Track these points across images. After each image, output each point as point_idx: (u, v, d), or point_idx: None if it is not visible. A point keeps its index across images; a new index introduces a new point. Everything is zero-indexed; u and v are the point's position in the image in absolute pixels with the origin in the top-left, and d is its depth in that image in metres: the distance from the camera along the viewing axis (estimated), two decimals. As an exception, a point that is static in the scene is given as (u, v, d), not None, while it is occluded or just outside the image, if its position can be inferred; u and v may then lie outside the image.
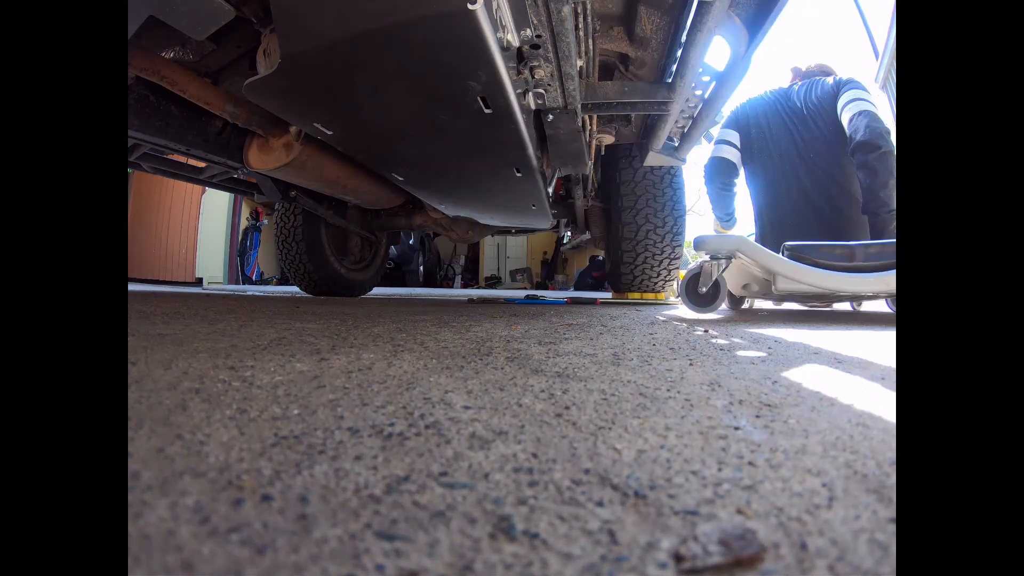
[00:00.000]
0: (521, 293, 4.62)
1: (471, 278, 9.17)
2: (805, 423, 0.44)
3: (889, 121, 2.01)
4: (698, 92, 1.43)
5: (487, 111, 1.08)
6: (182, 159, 2.24)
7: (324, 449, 0.35)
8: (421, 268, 8.16)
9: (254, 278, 6.83)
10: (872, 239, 1.92)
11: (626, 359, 0.75)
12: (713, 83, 1.39)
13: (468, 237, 2.87)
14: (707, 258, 1.73)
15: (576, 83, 1.16)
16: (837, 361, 0.78)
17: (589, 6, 1.14)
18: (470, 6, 0.77)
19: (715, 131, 2.39)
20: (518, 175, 1.49)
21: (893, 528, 0.26)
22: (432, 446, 0.37)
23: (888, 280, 1.57)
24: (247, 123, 1.56)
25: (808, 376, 0.65)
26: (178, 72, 1.39)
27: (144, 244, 5.94)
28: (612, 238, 2.63)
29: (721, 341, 1.01)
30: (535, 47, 1.03)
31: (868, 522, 0.26)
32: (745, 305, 2.30)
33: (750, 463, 0.34)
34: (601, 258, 6.75)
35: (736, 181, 2.45)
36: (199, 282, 5.99)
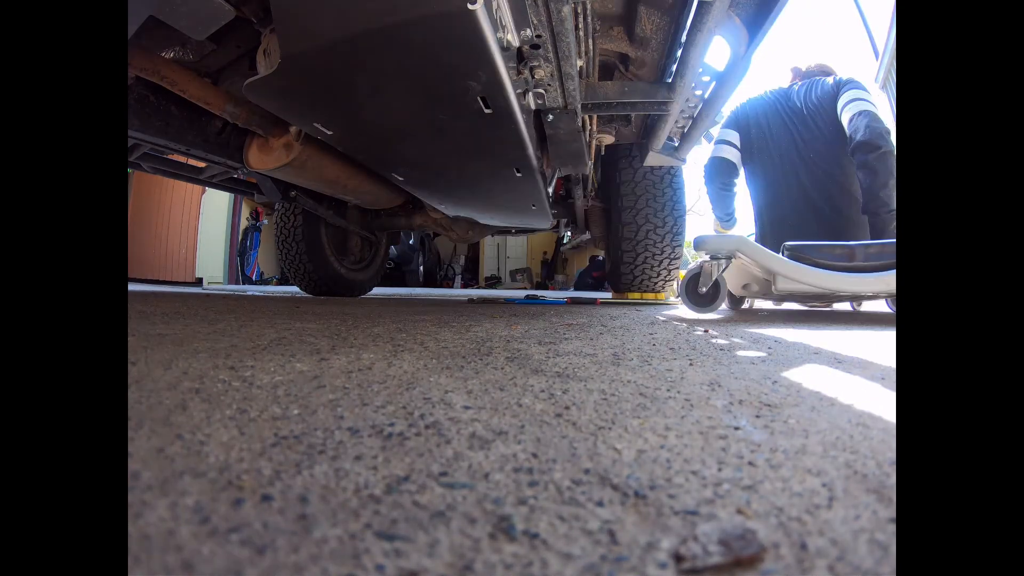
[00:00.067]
0: (521, 293, 4.62)
1: (471, 278, 9.17)
2: (805, 423, 0.44)
3: (889, 121, 2.01)
4: (698, 92, 1.43)
5: (487, 111, 1.08)
6: (182, 159, 2.24)
7: (324, 449, 0.35)
8: (421, 268, 8.16)
9: (254, 278, 6.83)
10: (872, 239, 1.92)
11: (626, 359, 0.75)
12: (713, 83, 1.39)
13: (468, 237, 2.87)
14: (707, 258, 1.73)
15: (576, 83, 1.16)
16: (837, 361, 0.78)
17: (589, 6, 1.14)
18: (470, 6, 0.77)
19: (715, 131, 2.39)
20: (518, 175, 1.49)
21: (893, 528, 0.26)
22: (432, 446, 0.37)
23: (888, 280, 1.57)
24: (247, 123, 1.56)
25: (808, 376, 0.65)
26: (178, 72, 1.39)
27: (144, 244, 5.94)
28: (612, 238, 2.64)
29: (721, 341, 1.01)
30: (535, 47, 1.03)
31: (868, 522, 0.26)
32: (745, 305, 2.30)
33: (750, 463, 0.34)
34: (601, 258, 6.75)
35: (736, 181, 2.45)
36: (199, 282, 5.99)
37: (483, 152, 1.36)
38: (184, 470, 0.31)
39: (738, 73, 1.29)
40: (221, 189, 2.74)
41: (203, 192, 6.02)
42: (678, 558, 0.23)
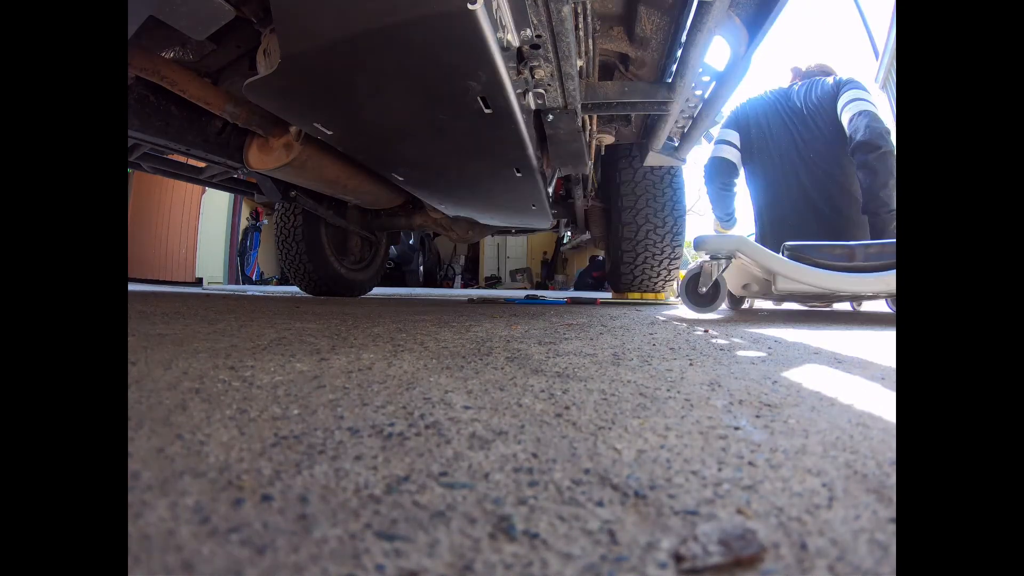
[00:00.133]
0: (521, 293, 4.62)
1: (471, 278, 9.17)
2: (805, 423, 0.44)
3: (889, 121, 2.01)
4: (698, 92, 1.43)
5: (487, 111, 1.08)
6: (182, 159, 2.24)
7: (324, 449, 0.35)
8: (421, 268, 8.16)
9: (254, 278, 6.83)
10: (872, 239, 1.92)
11: (626, 359, 0.75)
12: (713, 83, 1.39)
13: (468, 237, 2.87)
14: (707, 258, 1.73)
15: (576, 83, 1.16)
16: (837, 361, 0.78)
17: (589, 6, 1.14)
18: (470, 6, 0.77)
19: (715, 131, 2.39)
20: (518, 175, 1.49)
21: (893, 528, 0.26)
22: (432, 446, 0.37)
23: (888, 280, 1.57)
24: (247, 123, 1.57)
25: (808, 376, 0.65)
26: (178, 72, 1.39)
27: (144, 244, 5.94)
28: (612, 238, 2.64)
29: (721, 341, 1.01)
30: (535, 47, 1.03)
31: (868, 522, 0.26)
32: (745, 305, 2.30)
33: (750, 463, 0.34)
34: (601, 258, 6.75)
35: (736, 181, 2.45)
36: (199, 282, 5.99)
37: (483, 152, 1.36)
38: (184, 470, 0.31)
39: (738, 73, 1.29)
40: (221, 189, 2.74)
41: (203, 192, 6.02)
42: (678, 558, 0.23)
